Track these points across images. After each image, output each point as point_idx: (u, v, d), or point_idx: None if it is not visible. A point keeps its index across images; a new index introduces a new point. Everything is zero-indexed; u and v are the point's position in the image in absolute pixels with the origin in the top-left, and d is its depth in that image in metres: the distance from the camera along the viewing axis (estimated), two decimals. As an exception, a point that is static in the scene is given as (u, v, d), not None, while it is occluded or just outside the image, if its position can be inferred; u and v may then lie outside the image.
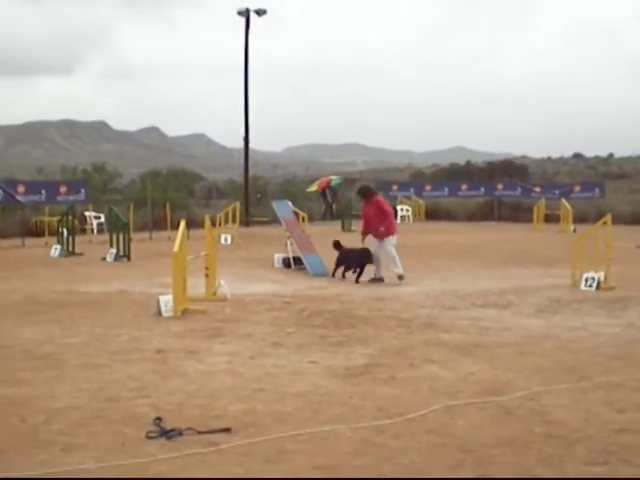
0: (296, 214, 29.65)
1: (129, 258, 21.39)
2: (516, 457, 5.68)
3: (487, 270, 18.45)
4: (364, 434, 6.26)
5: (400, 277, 16.25)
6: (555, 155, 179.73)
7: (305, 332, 10.73)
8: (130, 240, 21.88)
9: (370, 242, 16.67)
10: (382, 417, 6.70)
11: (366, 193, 16.94)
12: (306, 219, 30.74)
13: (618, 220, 35.45)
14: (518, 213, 42.16)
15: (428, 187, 46.78)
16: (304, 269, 18.37)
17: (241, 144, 42.59)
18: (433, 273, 17.89)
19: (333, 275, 17.25)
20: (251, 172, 45.94)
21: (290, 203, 27.89)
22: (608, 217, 15.40)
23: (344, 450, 5.90)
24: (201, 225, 15.13)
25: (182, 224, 13.03)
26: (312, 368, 8.59)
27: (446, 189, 46.30)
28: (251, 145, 43.09)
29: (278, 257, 19.64)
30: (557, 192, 41.48)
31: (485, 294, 14.33)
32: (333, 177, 46.46)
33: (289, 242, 19.22)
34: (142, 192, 36.65)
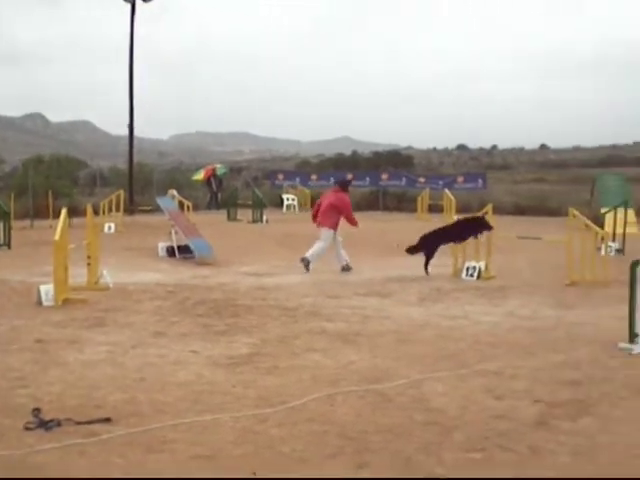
0: (181, 203, 29.48)
1: (9, 246, 21.00)
2: (396, 444, 5.78)
3: (371, 259, 18.66)
4: (245, 423, 6.27)
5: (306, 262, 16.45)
6: (440, 146, 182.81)
7: (188, 321, 10.67)
8: (10, 228, 21.54)
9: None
10: (264, 406, 6.72)
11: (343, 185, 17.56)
12: (191, 208, 30.53)
13: (500, 210, 36.33)
14: (403, 203, 42.75)
15: (314, 176, 46.95)
16: (189, 258, 18.30)
17: (126, 131, 42.00)
18: (323, 261, 17.97)
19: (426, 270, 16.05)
20: (136, 159, 45.30)
21: (175, 192, 27.57)
22: (489, 207, 15.78)
23: (225, 439, 5.90)
24: (84, 213, 14.87)
25: (63, 212, 12.81)
26: (194, 357, 8.55)
27: (332, 179, 46.52)
28: (136, 132, 42.57)
29: (162, 246, 19.48)
30: (441, 182, 42.24)
31: (368, 283, 14.51)
32: (218, 165, 46.21)
33: (173, 231, 19.10)
34: (24, 179, 35.76)
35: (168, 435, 5.98)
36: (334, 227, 16.91)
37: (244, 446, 5.75)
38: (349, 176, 18.61)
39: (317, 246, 16.77)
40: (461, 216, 20.73)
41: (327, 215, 16.91)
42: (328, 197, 17.31)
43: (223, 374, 7.85)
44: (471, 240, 15.68)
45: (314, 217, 17.44)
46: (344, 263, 16.63)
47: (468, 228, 15.95)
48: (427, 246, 16.47)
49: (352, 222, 17.18)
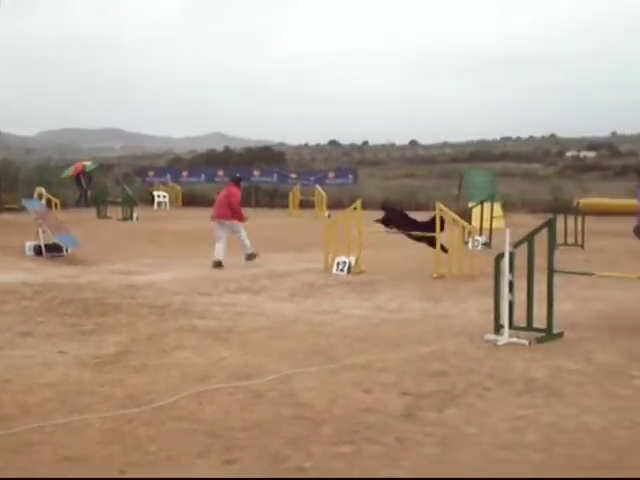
0: (49, 201, 28.78)
1: None
2: (264, 440, 5.78)
3: (242, 255, 18.59)
4: (113, 423, 6.17)
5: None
6: (312, 142, 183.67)
7: (55, 321, 10.42)
8: None
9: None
10: (132, 405, 6.62)
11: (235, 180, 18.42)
12: (59, 206, 29.84)
13: (371, 206, 36.80)
14: (275, 199, 42.86)
15: (185, 173, 46.62)
16: (57, 257, 17.91)
17: (-11, 129, 40.72)
18: (188, 259, 17.87)
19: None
20: (1, 156, 43.98)
21: (43, 190, 26.88)
22: (358, 203, 15.94)
23: (92, 440, 5.79)
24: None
25: None
26: (62, 358, 8.36)
27: (203, 175, 46.32)
28: (2, 128, 41.31)
29: (29, 245, 18.96)
30: (312, 178, 42.51)
31: (239, 279, 14.47)
32: (87, 162, 45.26)
33: (40, 230, 18.63)
34: None
35: (34, 437, 5.84)
36: (232, 217, 17.57)
37: (111, 446, 5.66)
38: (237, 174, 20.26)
39: (241, 238, 17.51)
40: (333, 212, 21.02)
41: (224, 208, 17.61)
42: (222, 192, 18.14)
43: (91, 374, 7.70)
44: (341, 235, 15.82)
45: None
46: (249, 252, 17.40)
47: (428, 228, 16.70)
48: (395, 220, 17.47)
49: (239, 215, 17.74)
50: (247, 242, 17.44)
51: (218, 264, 16.57)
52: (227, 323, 10.37)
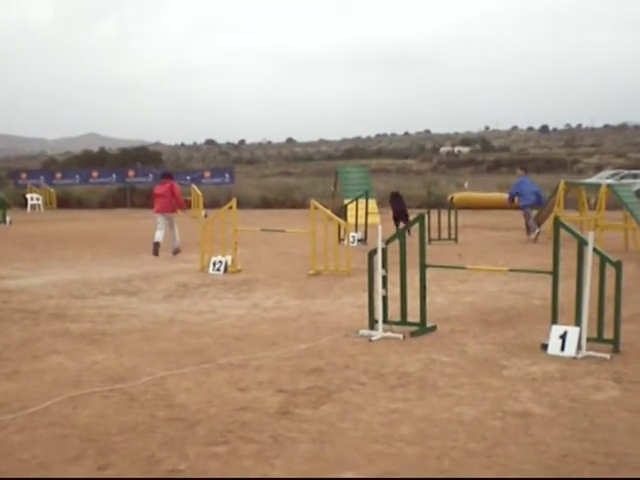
0: None
1: None
2: (139, 443, 5.70)
3: (117, 258, 18.35)
4: (-17, 432, 5.99)
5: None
6: (188, 142, 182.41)
7: None
8: None
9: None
10: (4, 412, 6.44)
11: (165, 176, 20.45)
12: None
13: (248, 204, 36.90)
14: (151, 200, 42.29)
15: (59, 175, 45.65)
16: None
17: None
18: (62, 262, 17.48)
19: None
20: None
21: None
22: (233, 201, 15.90)
23: (-39, 450, 5.61)
24: None
25: None
26: None
27: (77, 177, 45.45)
28: None
29: None
30: (188, 178, 42.24)
31: (114, 282, 14.25)
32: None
33: None
34: None
35: None
36: (174, 210, 19.54)
37: (-20, 456, 5.49)
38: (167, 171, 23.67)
39: (175, 232, 19.21)
40: (209, 211, 20.98)
41: (167, 201, 19.35)
42: (163, 187, 19.63)
43: (-41, 383, 7.45)
44: (217, 234, 15.77)
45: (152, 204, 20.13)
46: (177, 246, 19.02)
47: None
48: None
49: (181, 204, 19.96)
50: (178, 237, 18.95)
51: (157, 245, 18.62)
52: (101, 326, 10.20)
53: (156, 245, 18.74)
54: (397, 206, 23.67)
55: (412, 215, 15.59)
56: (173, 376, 7.54)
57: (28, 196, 40.84)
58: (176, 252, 18.86)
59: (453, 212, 22.39)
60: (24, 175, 45.69)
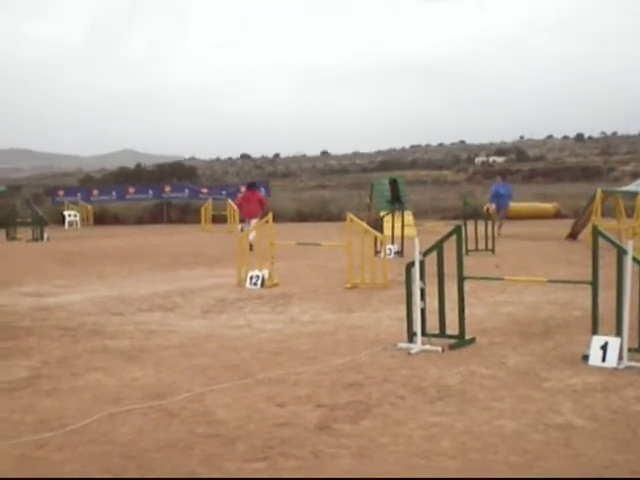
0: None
1: None
2: (178, 459, 5.70)
3: (154, 273, 18.42)
4: (24, 449, 6.01)
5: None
6: (223, 156, 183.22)
7: (-39, 348, 10.14)
8: None
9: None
10: (43, 430, 6.47)
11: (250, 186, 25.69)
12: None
13: (283, 218, 36.93)
14: (187, 215, 42.60)
15: (95, 191, 45.91)
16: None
17: None
18: (100, 279, 17.57)
19: None
20: None
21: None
22: (269, 215, 15.92)
23: (2, 468, 5.63)
24: None
25: None
26: (-32, 386, 8.13)
27: (114, 193, 45.68)
28: None
29: None
30: (224, 192, 42.35)
31: (151, 297, 14.30)
32: (-3, 186, 44.39)
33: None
34: None
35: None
36: (258, 215, 23.26)
37: (22, 473, 5.52)
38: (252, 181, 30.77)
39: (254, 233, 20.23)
40: (245, 226, 21.22)
41: (256, 208, 23.68)
42: (252, 195, 24.33)
43: (1, 400, 7.50)
44: (256, 247, 15.79)
45: (240, 207, 25.13)
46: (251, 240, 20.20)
47: None
48: None
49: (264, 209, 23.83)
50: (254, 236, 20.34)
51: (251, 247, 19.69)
52: (139, 342, 10.23)
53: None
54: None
55: (449, 227, 15.51)
56: (211, 392, 7.54)
57: (65, 213, 41.14)
58: (250, 247, 20.34)
59: (489, 223, 22.26)
60: (61, 192, 45.99)
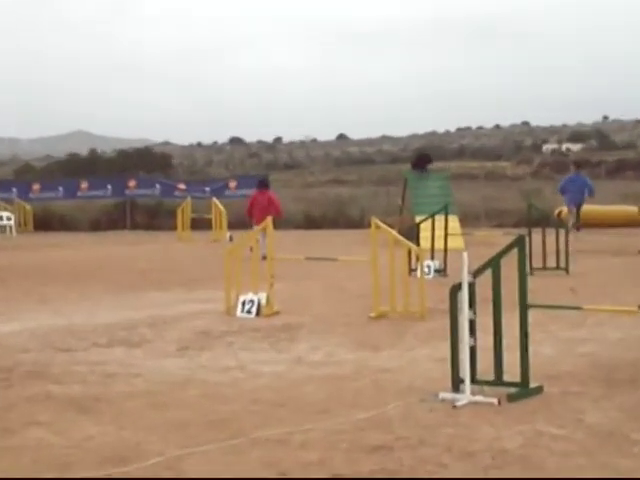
0: None
1: None
2: None
3: (114, 296, 18.47)
4: None
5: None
6: (207, 140, 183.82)
7: None
8: None
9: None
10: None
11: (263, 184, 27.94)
12: None
13: (288, 224, 36.96)
14: (158, 219, 42.71)
15: (37, 186, 46.01)
16: None
17: None
18: (42, 304, 17.64)
19: None
20: None
21: None
22: (268, 220, 15.93)
23: None
24: None
25: None
26: None
27: (61, 188, 45.81)
28: None
29: None
30: (207, 189, 42.43)
31: (111, 329, 14.34)
32: None
33: None
34: None
35: None
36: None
37: None
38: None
39: (266, 241, 21.66)
40: (236, 233, 21.15)
41: (266, 212, 24.26)
42: (261, 196, 27.06)
43: None
44: (247, 263, 15.83)
45: (250, 213, 27.11)
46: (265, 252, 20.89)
47: None
48: None
49: (280, 215, 27.03)
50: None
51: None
52: (95, 388, 10.27)
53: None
54: None
55: (508, 237, 15.51)
56: (191, 456, 7.56)
57: (-5, 215, 41.27)
58: (264, 258, 21.46)
59: (563, 232, 22.21)
60: (-9, 187, 46.17)
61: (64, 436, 8.31)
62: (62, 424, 8.72)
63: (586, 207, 34.65)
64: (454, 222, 25.67)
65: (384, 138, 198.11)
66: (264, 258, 20.72)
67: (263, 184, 27.97)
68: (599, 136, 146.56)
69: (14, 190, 44.99)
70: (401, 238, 16.51)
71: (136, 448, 7.85)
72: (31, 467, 7.40)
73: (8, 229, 40.41)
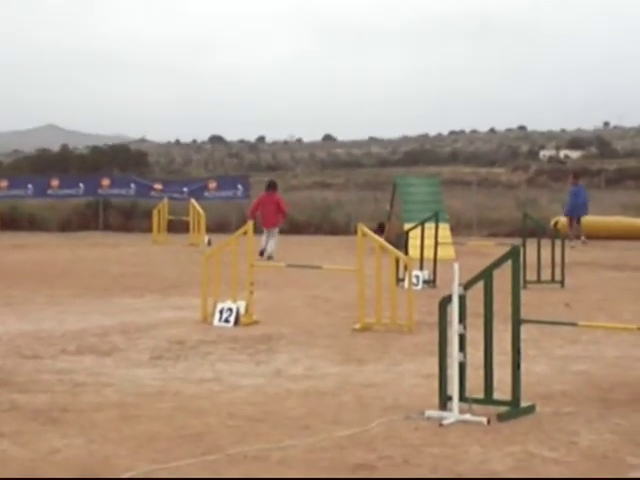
0: None
1: None
2: None
3: (85, 301, 18.45)
4: None
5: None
6: (185, 138, 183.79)
7: None
8: None
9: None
10: None
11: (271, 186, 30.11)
12: None
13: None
14: (132, 220, 42.66)
15: (4, 183, 45.89)
16: None
17: None
18: (7, 307, 17.63)
19: None
20: None
21: None
22: (249, 225, 15.94)
23: None
24: None
25: None
26: None
27: (30, 186, 45.69)
28: None
29: None
30: (185, 190, 42.41)
31: (80, 335, 14.33)
32: None
33: None
34: None
35: None
36: (278, 224, 29.04)
37: None
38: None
39: (273, 242, 27.95)
40: (215, 237, 21.14)
41: (275, 216, 28.57)
42: (269, 199, 29.06)
43: None
44: (226, 269, 15.84)
45: (253, 214, 27.58)
46: (270, 252, 27.51)
47: None
48: None
49: (285, 216, 30.36)
50: (275, 247, 27.91)
51: (270, 258, 26.92)
52: (62, 398, 10.26)
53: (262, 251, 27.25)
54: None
55: (501, 248, 15.56)
56: (163, 471, 7.56)
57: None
58: (269, 258, 26.86)
59: (558, 243, 22.26)
60: (-45, 183, 46.01)
61: (29, 448, 8.30)
62: (27, 436, 8.71)
63: (587, 218, 34.91)
64: (445, 230, 25.74)
65: (372, 140, 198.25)
66: (269, 258, 25.66)
67: (272, 186, 29.90)
68: (599, 143, 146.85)
69: (-23, 188, 44.85)
70: (389, 246, 16.54)
71: (105, 462, 7.85)
72: (-7, 481, 7.40)
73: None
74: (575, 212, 34.55)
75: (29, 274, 23.78)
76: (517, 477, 7.51)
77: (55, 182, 45.47)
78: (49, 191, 45.05)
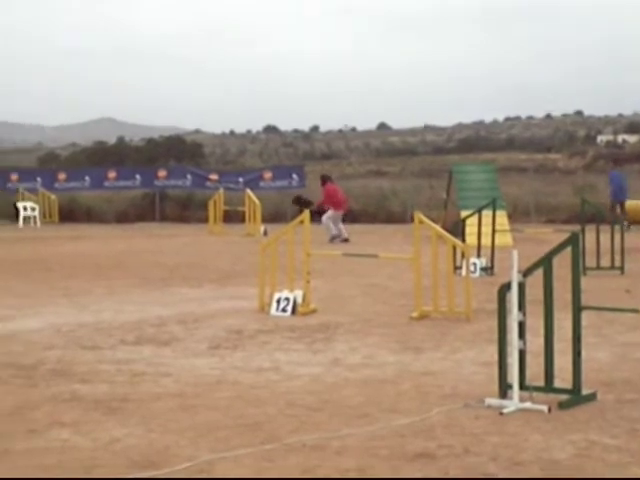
0: None
1: None
2: None
3: (142, 292, 18.53)
4: None
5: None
6: (240, 129, 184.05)
7: None
8: None
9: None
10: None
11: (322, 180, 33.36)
12: None
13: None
14: (188, 211, 42.78)
15: (62, 175, 46.16)
16: None
17: None
18: (67, 298, 17.72)
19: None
20: None
21: None
22: (305, 214, 15.92)
23: None
24: None
25: None
26: None
27: (87, 178, 45.94)
28: None
29: None
30: (241, 180, 42.45)
31: (139, 326, 14.39)
32: None
33: None
34: None
35: None
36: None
37: None
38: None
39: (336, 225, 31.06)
40: (270, 227, 21.11)
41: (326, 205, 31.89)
42: (333, 187, 32.73)
43: None
44: (282, 259, 15.85)
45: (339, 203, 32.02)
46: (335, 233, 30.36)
47: None
48: None
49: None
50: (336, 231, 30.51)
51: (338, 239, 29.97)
52: (122, 388, 10.30)
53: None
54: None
55: (560, 234, 15.44)
56: (223, 461, 7.57)
57: (20, 205, 41.36)
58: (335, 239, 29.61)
59: (618, 229, 22.06)
60: (14, 176, 46.20)
61: (90, 438, 8.34)
62: (88, 425, 8.75)
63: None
64: (502, 217, 25.60)
65: (427, 128, 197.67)
66: (332, 239, 29.02)
67: (325, 178, 33.52)
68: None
69: (38, 179, 45.09)
70: (446, 234, 16.48)
71: (165, 452, 7.87)
72: (55, 469, 7.43)
73: (32, 220, 40.55)
74: (615, 197, 35.10)
75: (87, 266, 23.91)
76: (578, 465, 7.45)
77: (112, 174, 45.72)
78: (106, 183, 45.28)
